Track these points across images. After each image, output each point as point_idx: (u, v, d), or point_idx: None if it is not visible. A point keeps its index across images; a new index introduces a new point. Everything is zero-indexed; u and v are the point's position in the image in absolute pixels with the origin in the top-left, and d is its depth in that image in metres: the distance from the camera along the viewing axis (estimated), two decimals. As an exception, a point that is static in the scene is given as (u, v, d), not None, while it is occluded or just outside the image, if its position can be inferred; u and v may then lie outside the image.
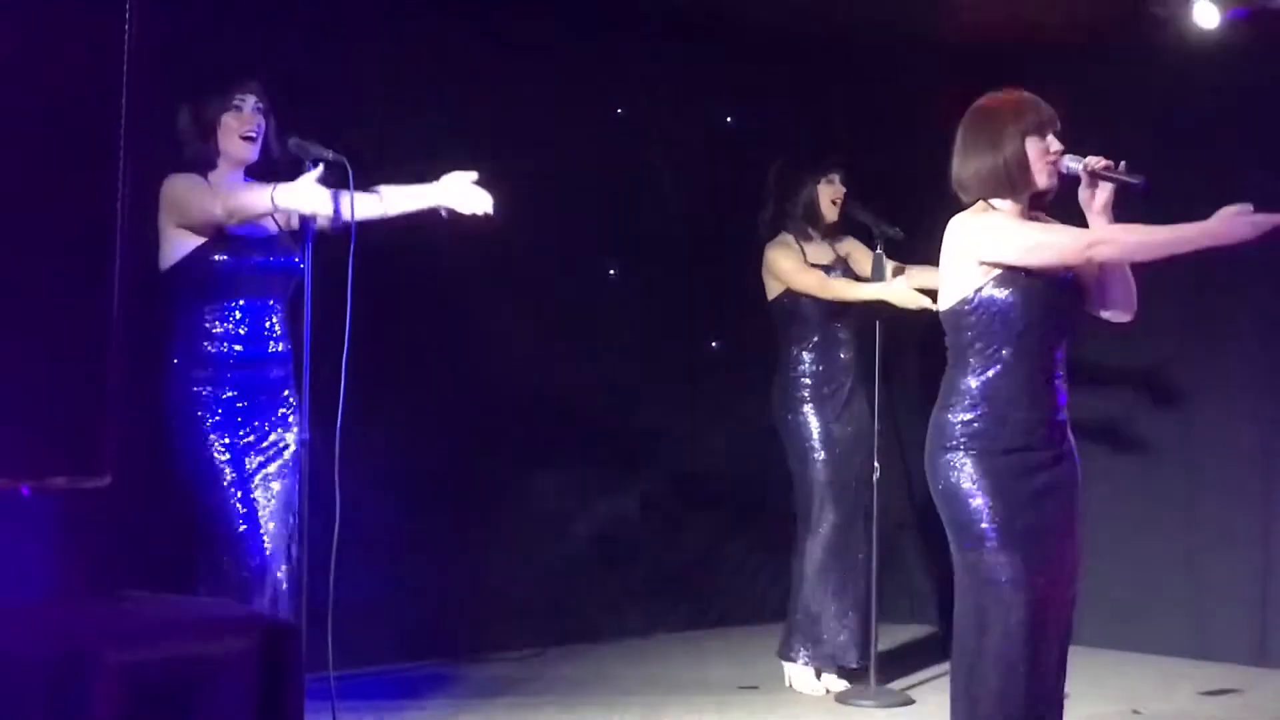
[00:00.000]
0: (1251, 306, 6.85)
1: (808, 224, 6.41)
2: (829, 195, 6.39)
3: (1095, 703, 6.04)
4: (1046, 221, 4.27)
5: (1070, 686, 6.23)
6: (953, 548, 4.23)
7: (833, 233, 6.47)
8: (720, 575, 7.82)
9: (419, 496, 6.61)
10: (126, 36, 2.99)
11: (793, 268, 6.32)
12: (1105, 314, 4.34)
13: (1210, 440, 6.95)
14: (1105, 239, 4.12)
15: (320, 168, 4.60)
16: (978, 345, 4.16)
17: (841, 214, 6.41)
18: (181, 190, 4.84)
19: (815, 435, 6.34)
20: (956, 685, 4.23)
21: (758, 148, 7.09)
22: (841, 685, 6.32)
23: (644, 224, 7.50)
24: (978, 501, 4.13)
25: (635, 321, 7.50)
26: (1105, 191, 4.16)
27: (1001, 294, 4.12)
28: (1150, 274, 6.91)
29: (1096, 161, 4.15)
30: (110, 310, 2.82)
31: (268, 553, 4.82)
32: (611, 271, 7.48)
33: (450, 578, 6.78)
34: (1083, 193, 4.18)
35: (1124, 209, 4.20)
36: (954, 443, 4.16)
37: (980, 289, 4.14)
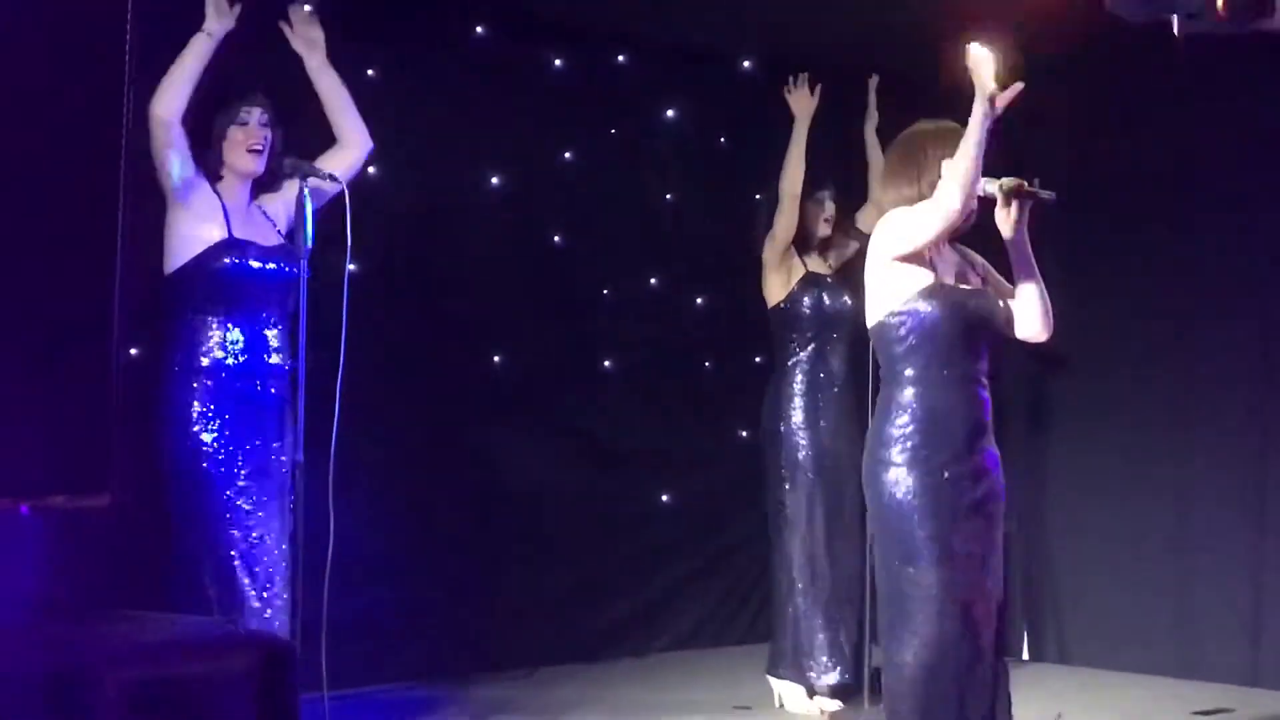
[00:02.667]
0: (1242, 327, 6.86)
1: (799, 242, 6.47)
2: (820, 215, 6.49)
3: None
4: (966, 251, 4.42)
5: (1064, 706, 6.29)
6: (882, 559, 4.30)
7: (828, 247, 6.54)
8: (713, 595, 7.82)
9: (412, 518, 6.60)
10: (128, 43, 3.00)
11: (773, 247, 6.42)
12: (1021, 335, 4.45)
13: (1202, 462, 6.97)
14: (948, 186, 4.18)
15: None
16: (910, 358, 4.27)
17: (837, 230, 6.49)
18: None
19: (803, 448, 6.36)
20: (886, 696, 4.30)
21: (752, 170, 7.13)
22: (835, 705, 6.32)
23: (640, 243, 7.53)
24: (916, 519, 4.21)
25: (633, 340, 7.51)
26: (1015, 209, 4.27)
27: (927, 307, 4.24)
28: (1139, 292, 7.06)
29: (1011, 182, 4.27)
30: (112, 329, 2.82)
31: (247, 586, 4.78)
32: (605, 291, 7.49)
33: (443, 599, 6.77)
34: (999, 214, 4.30)
35: (1037, 223, 4.32)
36: (893, 457, 4.24)
37: (908, 301, 4.25)
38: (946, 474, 4.22)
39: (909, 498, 4.21)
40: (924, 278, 4.26)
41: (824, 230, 6.51)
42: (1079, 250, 7.07)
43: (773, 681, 6.43)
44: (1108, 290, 7.14)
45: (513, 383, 7.08)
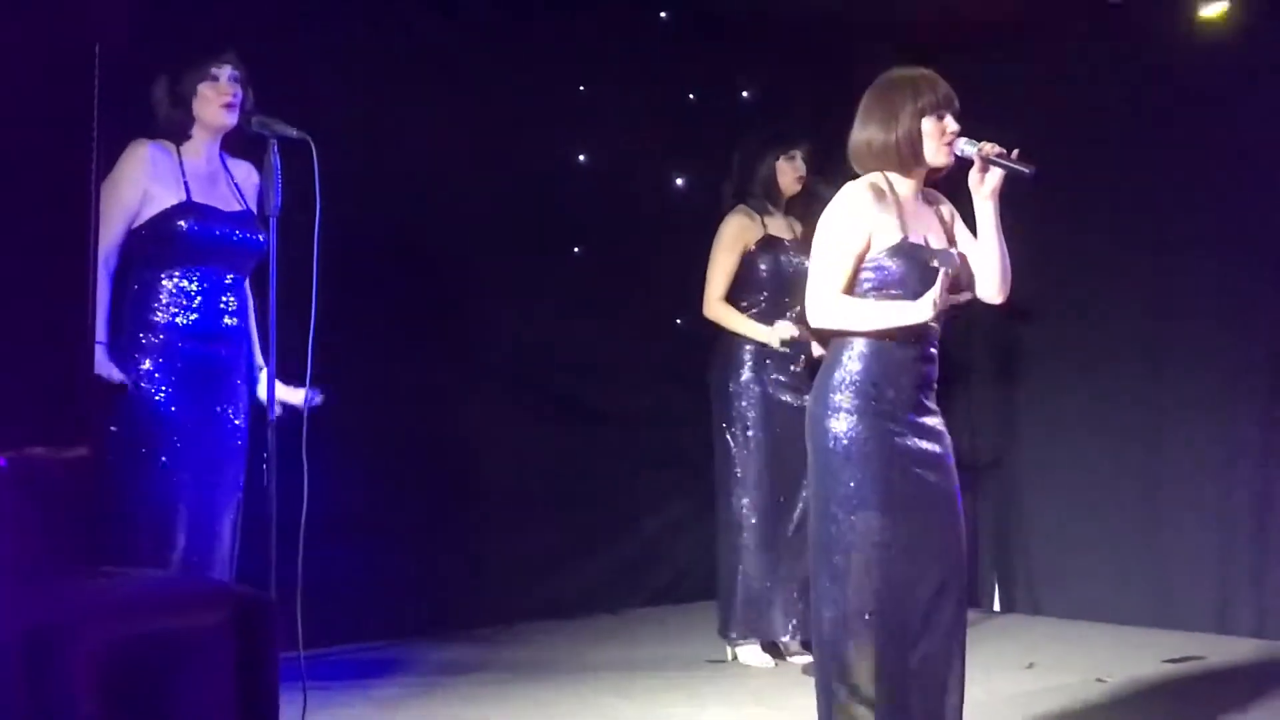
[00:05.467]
0: (1210, 284, 6.90)
1: (766, 199, 6.49)
2: (790, 172, 6.50)
3: (1060, 672, 6.08)
4: (937, 200, 4.41)
5: (1035, 656, 6.34)
6: (818, 504, 4.25)
7: (793, 208, 6.54)
8: (688, 551, 7.85)
9: (386, 476, 6.61)
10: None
11: (715, 278, 6.43)
12: (980, 295, 4.46)
13: (1171, 413, 7.01)
14: (818, 315, 4.25)
15: None
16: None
17: (805, 190, 6.48)
18: (125, 167, 4.83)
19: (754, 403, 6.38)
20: (816, 649, 4.32)
21: (722, 125, 7.14)
22: (807, 658, 6.34)
23: (609, 200, 7.53)
24: (859, 464, 4.17)
25: (602, 298, 7.52)
26: (995, 177, 4.27)
27: (891, 264, 4.22)
28: (1111, 254, 7.09)
29: (991, 148, 4.26)
30: (86, 281, 2.81)
31: (179, 544, 4.75)
32: (576, 249, 7.50)
33: (418, 556, 6.79)
34: (973, 176, 4.30)
35: (1010, 193, 4.31)
36: (840, 403, 4.21)
37: (873, 258, 4.23)
38: (892, 425, 4.19)
39: (854, 445, 4.17)
40: (893, 236, 4.24)
41: (794, 188, 6.52)
42: (1052, 198, 7.10)
43: (727, 645, 6.48)
44: (1079, 240, 7.17)
45: (486, 343, 7.08)
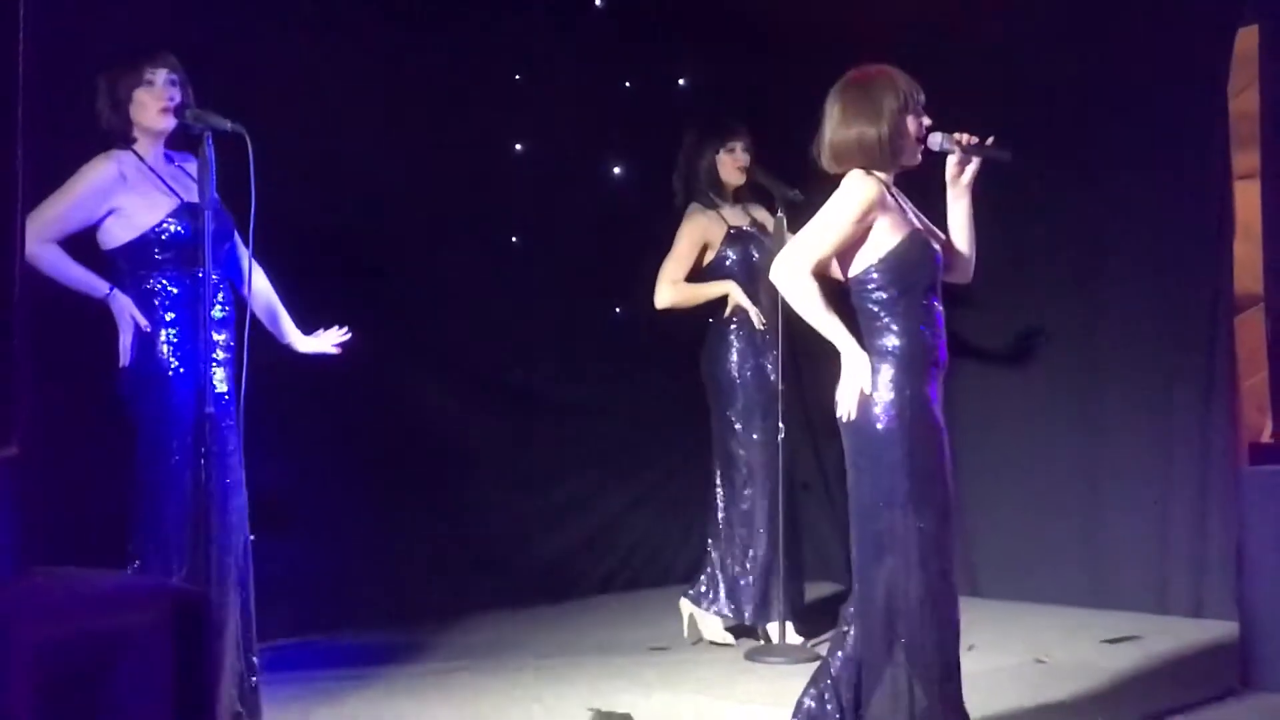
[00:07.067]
0: (1147, 274, 6.94)
1: (713, 193, 6.50)
2: (732, 164, 6.51)
3: (1000, 654, 6.13)
4: (902, 198, 4.43)
5: (975, 638, 6.39)
6: (864, 501, 4.29)
7: (744, 197, 6.57)
8: (629, 540, 7.88)
9: (332, 467, 6.61)
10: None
11: (670, 265, 6.47)
12: (955, 279, 4.55)
13: (1110, 392, 7.06)
14: (782, 273, 4.30)
15: None
16: (900, 304, 4.27)
17: (749, 180, 6.50)
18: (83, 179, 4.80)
19: (753, 398, 6.42)
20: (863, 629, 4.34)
21: (663, 117, 7.15)
22: (750, 644, 6.39)
23: (549, 193, 7.53)
24: (898, 455, 4.21)
25: (547, 290, 7.52)
26: (974, 167, 4.36)
27: (912, 253, 4.26)
28: (1048, 241, 7.13)
29: (968, 139, 4.34)
30: (14, 282, 2.79)
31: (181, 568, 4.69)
32: (514, 239, 7.50)
33: (363, 547, 6.79)
34: (952, 168, 4.38)
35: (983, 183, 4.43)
36: (885, 403, 4.22)
37: (893, 249, 4.26)
38: (926, 411, 4.26)
39: (895, 442, 4.23)
40: (902, 229, 4.28)
41: (737, 179, 6.53)
42: (987, 188, 7.16)
43: (692, 609, 6.49)
44: (1017, 229, 7.21)
45: (437, 333, 7.08)
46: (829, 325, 4.25)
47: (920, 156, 4.36)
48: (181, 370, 4.70)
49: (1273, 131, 6.32)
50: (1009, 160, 4.37)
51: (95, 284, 4.71)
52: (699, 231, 6.49)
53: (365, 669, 6.06)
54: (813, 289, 4.24)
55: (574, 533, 7.68)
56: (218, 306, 4.76)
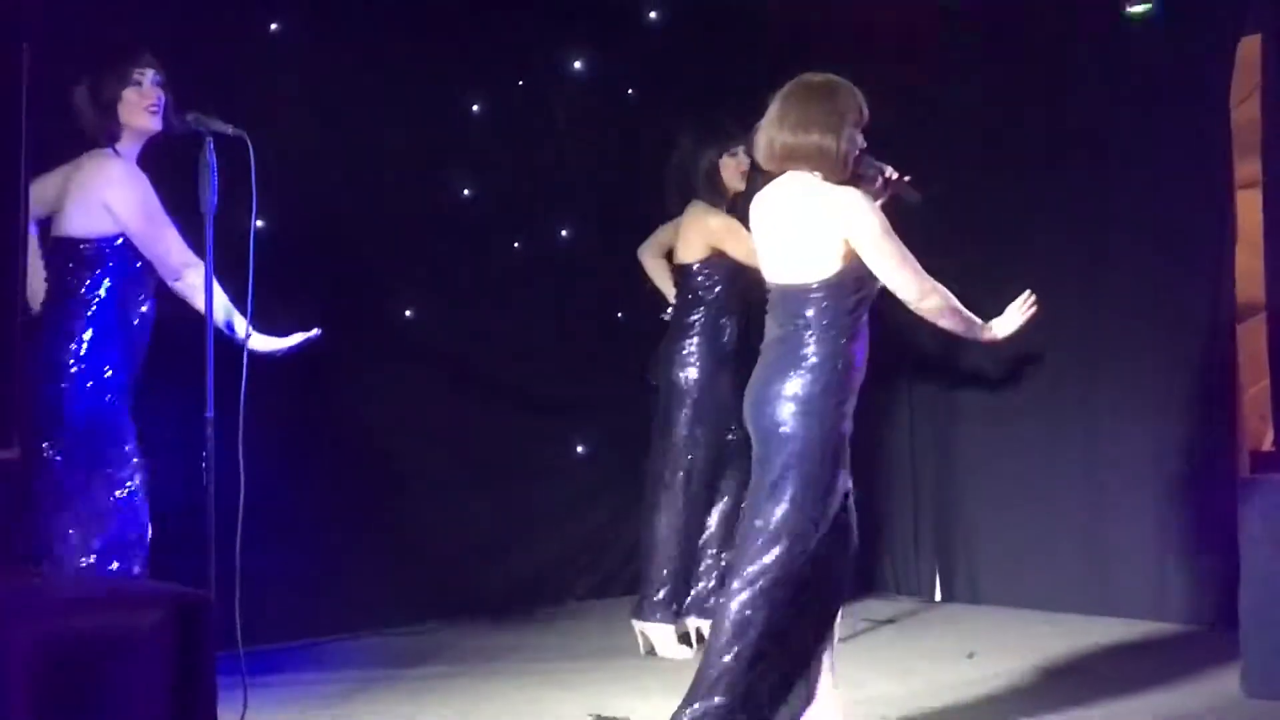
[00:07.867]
0: (1147, 279, 6.94)
1: (712, 197, 6.46)
2: (735, 168, 6.46)
3: (1001, 660, 6.11)
4: None
5: (975, 645, 6.37)
6: (798, 505, 4.37)
7: (740, 203, 6.55)
8: (628, 543, 7.85)
9: (324, 472, 6.59)
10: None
11: (732, 233, 6.38)
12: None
13: (1110, 400, 7.05)
14: (930, 301, 4.44)
15: None
16: (855, 312, 4.37)
17: (749, 185, 6.49)
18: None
19: (709, 404, 6.40)
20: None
21: (660, 122, 7.15)
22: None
23: (549, 197, 7.54)
24: (831, 470, 4.34)
25: (543, 294, 7.52)
26: (883, 197, 4.48)
27: (864, 269, 4.35)
28: (1050, 247, 7.13)
29: (891, 171, 4.47)
30: (15, 285, 2.79)
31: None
32: (516, 244, 7.50)
33: (359, 551, 6.77)
34: (869, 189, 4.45)
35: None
36: (816, 410, 4.32)
37: (851, 264, 4.33)
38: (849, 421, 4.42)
39: (825, 452, 4.34)
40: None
41: (739, 184, 6.47)
42: (992, 193, 7.21)
43: (645, 627, 6.45)
44: (1018, 232, 7.21)
45: (425, 337, 7.07)
46: (971, 316, 4.50)
47: (849, 173, 4.42)
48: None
49: (1274, 140, 6.30)
50: (917, 203, 4.51)
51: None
52: (730, 219, 6.39)
53: (364, 674, 6.04)
54: (949, 294, 4.43)
55: (571, 536, 7.67)
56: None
